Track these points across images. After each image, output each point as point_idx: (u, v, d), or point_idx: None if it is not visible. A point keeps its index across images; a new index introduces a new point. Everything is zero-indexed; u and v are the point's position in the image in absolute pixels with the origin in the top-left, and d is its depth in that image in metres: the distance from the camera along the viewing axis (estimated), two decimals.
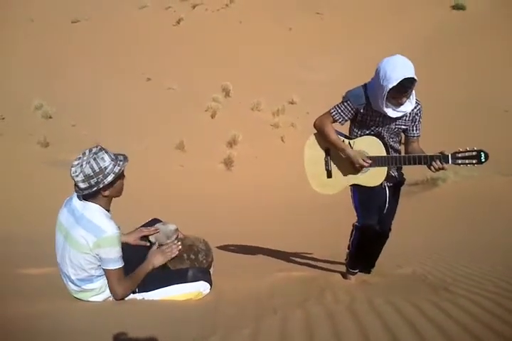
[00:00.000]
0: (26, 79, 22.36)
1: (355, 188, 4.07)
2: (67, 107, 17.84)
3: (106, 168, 3.22)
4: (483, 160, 3.73)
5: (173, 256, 3.54)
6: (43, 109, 17.46)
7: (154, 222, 3.85)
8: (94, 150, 3.25)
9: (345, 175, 4.04)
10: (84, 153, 3.24)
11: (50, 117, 17.27)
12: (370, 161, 3.89)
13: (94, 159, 3.20)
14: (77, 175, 3.19)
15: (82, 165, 3.18)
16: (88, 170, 3.18)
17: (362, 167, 3.91)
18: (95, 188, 3.21)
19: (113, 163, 3.25)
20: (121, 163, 3.29)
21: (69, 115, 17.04)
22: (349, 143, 3.97)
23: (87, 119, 16.82)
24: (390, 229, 4.18)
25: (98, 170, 3.19)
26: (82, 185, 3.21)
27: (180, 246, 3.58)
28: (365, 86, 3.91)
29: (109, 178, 3.22)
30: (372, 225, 3.99)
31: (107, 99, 19.52)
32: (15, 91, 20.10)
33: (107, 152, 3.27)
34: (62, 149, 13.57)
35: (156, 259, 3.49)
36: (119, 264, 3.29)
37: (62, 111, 17.38)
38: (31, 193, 11.00)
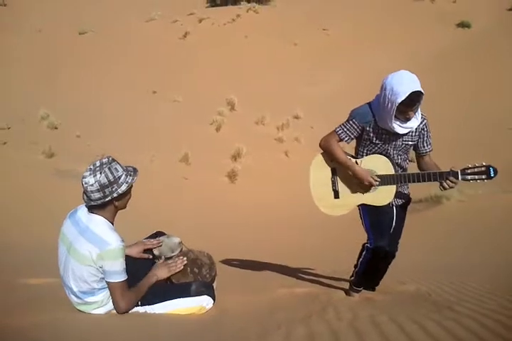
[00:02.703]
0: (33, 89, 22.50)
1: (364, 208, 4.03)
2: (73, 118, 17.91)
3: (120, 177, 3.25)
4: (492, 175, 3.70)
5: (177, 270, 3.52)
6: (49, 120, 17.53)
7: (158, 234, 3.84)
8: (106, 160, 3.26)
9: (353, 194, 3.99)
10: (94, 164, 3.24)
11: (56, 127, 17.33)
12: (379, 180, 3.87)
13: (109, 168, 3.21)
14: (91, 185, 3.18)
15: (95, 175, 3.18)
16: (104, 180, 3.18)
17: (371, 185, 3.89)
18: (109, 198, 3.22)
19: (125, 173, 3.29)
20: (132, 173, 3.33)
21: (74, 126, 17.09)
22: (356, 162, 3.94)
23: (92, 130, 16.87)
24: (396, 250, 4.13)
25: (113, 180, 3.21)
26: (96, 195, 3.20)
27: (185, 261, 3.57)
28: (369, 104, 3.92)
29: (123, 188, 3.25)
30: (383, 246, 3.92)
31: (112, 111, 19.61)
32: (21, 101, 20.22)
33: (118, 163, 3.31)
34: (66, 160, 13.58)
35: (160, 272, 3.48)
36: (123, 277, 3.27)
37: (68, 122, 17.44)
38: (34, 203, 10.97)
